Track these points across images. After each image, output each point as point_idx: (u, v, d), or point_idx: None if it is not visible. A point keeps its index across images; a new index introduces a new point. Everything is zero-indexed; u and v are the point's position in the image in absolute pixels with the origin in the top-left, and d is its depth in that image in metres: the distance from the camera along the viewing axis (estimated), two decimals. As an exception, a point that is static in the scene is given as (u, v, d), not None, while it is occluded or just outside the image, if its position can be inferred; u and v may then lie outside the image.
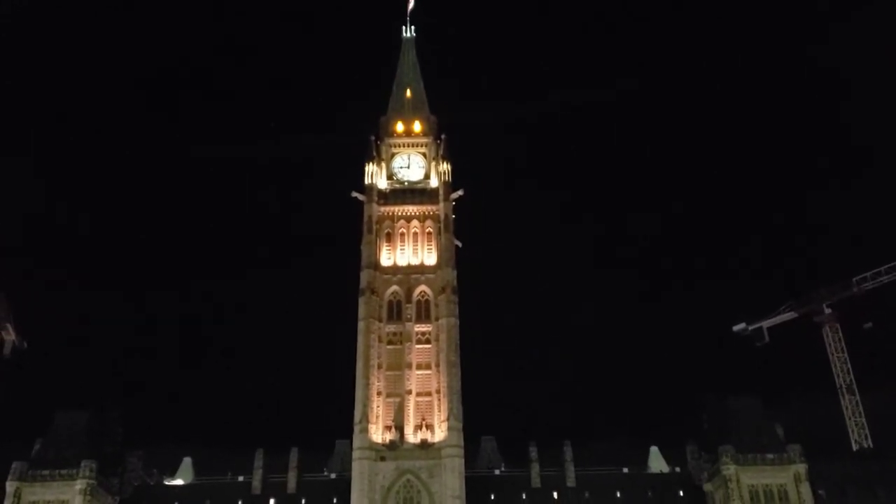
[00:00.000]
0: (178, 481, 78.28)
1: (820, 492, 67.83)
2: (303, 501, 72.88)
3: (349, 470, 68.93)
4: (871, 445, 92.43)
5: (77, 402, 75.37)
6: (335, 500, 71.21)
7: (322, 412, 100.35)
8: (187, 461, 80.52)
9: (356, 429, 68.84)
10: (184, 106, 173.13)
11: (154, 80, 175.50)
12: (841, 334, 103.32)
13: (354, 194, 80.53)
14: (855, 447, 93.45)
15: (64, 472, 67.94)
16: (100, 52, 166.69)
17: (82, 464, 67.87)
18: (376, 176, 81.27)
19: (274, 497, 73.47)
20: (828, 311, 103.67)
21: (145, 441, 79.03)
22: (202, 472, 78.97)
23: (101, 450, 71.08)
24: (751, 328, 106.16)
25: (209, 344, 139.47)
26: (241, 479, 75.72)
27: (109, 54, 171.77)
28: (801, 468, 67.54)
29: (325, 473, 77.77)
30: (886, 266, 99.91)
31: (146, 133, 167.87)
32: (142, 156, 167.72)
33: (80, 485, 67.10)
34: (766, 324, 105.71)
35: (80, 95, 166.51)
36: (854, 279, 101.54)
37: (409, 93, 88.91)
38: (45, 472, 68.08)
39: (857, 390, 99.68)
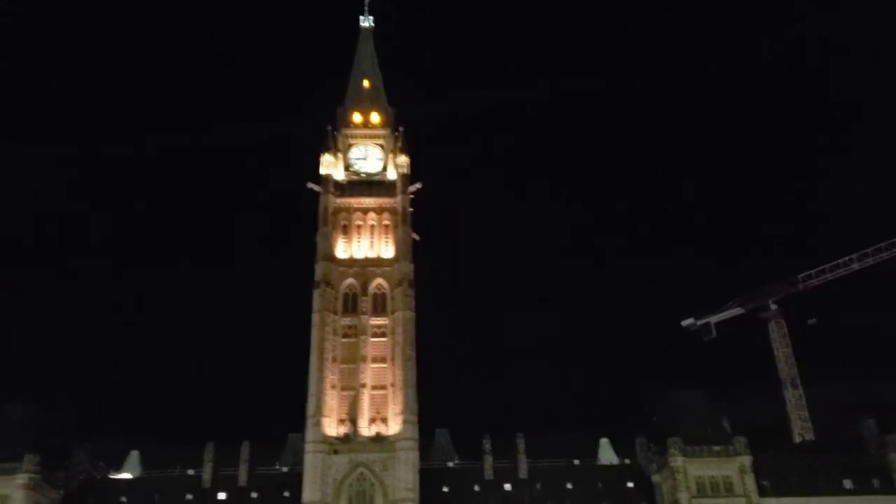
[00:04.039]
0: (126, 475, 76.80)
1: (764, 482, 69.57)
2: (253, 495, 72.15)
3: (302, 463, 68.42)
4: (814, 438, 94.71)
5: (22, 394, 73.40)
6: (286, 494, 70.65)
7: (275, 405, 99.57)
8: (134, 454, 79.10)
9: (309, 422, 68.25)
10: (137, 93, 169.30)
11: (110, 69, 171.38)
12: (786, 329, 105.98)
13: (310, 185, 79.65)
14: (798, 439, 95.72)
15: (7, 465, 66.11)
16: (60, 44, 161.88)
17: (25, 457, 66.24)
18: (333, 167, 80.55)
19: (224, 491, 72.57)
20: (774, 307, 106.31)
21: (92, 433, 77.40)
22: (151, 466, 77.59)
23: (46, 442, 69.27)
24: (699, 323, 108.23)
25: (160, 335, 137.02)
26: (190, 472, 74.64)
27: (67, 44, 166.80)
28: (746, 460, 69.24)
29: (277, 467, 77.16)
30: (830, 264, 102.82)
31: (102, 122, 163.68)
32: (96, 143, 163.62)
33: (22, 479, 65.51)
34: (713, 319, 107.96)
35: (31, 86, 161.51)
36: (800, 276, 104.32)
37: (366, 83, 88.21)
38: (-14, 467, 66.07)
39: (800, 384, 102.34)
